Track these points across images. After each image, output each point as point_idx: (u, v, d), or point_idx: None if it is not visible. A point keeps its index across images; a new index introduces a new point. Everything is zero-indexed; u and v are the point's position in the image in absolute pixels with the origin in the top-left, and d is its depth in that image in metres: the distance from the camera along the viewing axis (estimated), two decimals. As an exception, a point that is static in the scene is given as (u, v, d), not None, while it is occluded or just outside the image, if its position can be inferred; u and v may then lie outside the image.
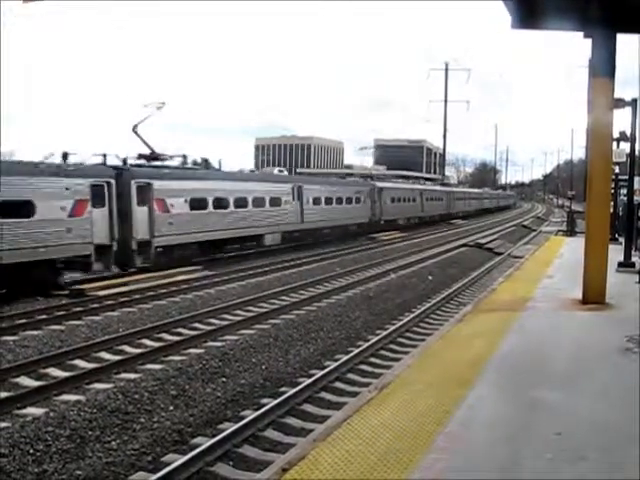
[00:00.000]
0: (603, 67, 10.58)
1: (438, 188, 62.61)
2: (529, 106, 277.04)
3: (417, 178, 73.23)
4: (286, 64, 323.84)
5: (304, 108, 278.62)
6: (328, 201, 34.60)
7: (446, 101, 77.04)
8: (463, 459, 4.75)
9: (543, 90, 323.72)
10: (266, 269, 23.16)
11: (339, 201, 35.94)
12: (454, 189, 69.74)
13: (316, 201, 32.96)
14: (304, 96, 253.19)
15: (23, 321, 14.27)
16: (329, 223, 34.54)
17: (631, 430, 5.29)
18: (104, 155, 21.77)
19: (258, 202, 27.45)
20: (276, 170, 44.99)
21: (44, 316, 14.96)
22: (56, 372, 10.88)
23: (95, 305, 16.30)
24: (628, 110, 16.16)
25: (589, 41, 10.65)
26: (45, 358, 11.41)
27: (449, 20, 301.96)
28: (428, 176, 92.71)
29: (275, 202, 28.92)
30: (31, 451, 7.53)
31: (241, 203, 26.21)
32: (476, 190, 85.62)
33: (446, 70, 76.67)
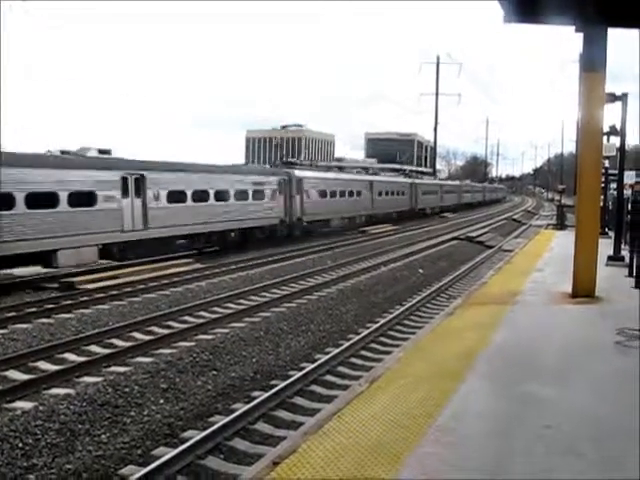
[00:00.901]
0: (594, 62, 10.59)
1: (397, 180, 51.92)
2: (520, 100, 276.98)
3: (401, 171, 71.93)
4: (278, 57, 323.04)
5: (295, 101, 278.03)
6: (197, 196, 24.59)
7: (437, 94, 77.14)
8: (454, 452, 4.76)
9: (534, 84, 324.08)
10: (257, 262, 23.15)
11: (221, 196, 26.03)
12: (422, 181, 59.41)
13: (172, 197, 23.28)
14: (295, 89, 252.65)
15: (12, 314, 14.21)
16: (187, 230, 24.09)
17: (622, 422, 5.32)
18: None
19: None
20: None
21: (34, 309, 14.89)
22: (45, 365, 10.83)
23: (85, 298, 16.23)
24: (618, 105, 16.19)
25: (580, 35, 10.67)
26: (34, 351, 11.35)
27: (442, 14, 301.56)
28: (419, 169, 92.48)
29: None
30: (20, 445, 7.49)
31: None
32: (451, 182, 76.35)
33: (437, 64, 76.68)
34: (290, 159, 58.69)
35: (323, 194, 34.75)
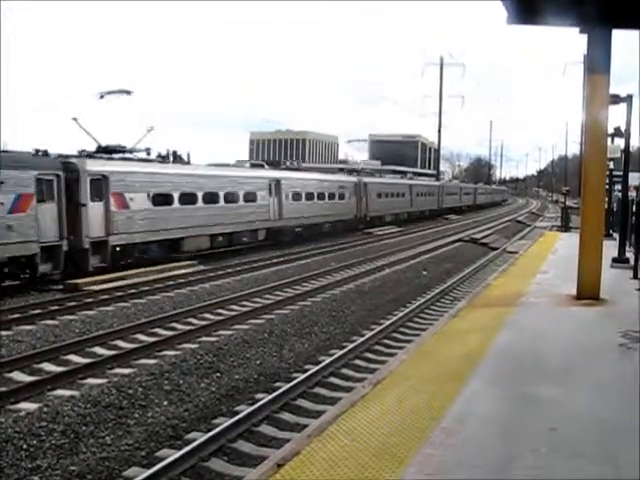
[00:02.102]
0: (599, 63, 10.59)
1: (347, 179, 40.20)
2: (524, 101, 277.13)
3: (406, 173, 71.51)
4: (282, 59, 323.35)
5: (299, 103, 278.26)
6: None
7: (441, 96, 76.91)
8: (458, 454, 4.75)
9: (538, 86, 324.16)
10: (261, 264, 23.17)
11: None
12: (389, 180, 49.55)
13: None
14: (299, 91, 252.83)
15: (17, 316, 14.22)
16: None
17: (626, 425, 5.31)
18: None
19: None
20: None
21: (38, 311, 14.91)
22: (50, 367, 10.85)
23: (89, 300, 16.25)
24: (623, 106, 16.17)
25: (585, 37, 10.66)
26: (39, 353, 11.37)
27: (445, 15, 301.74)
28: (421, 171, 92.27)
29: None
30: (24, 446, 7.50)
31: None
32: (427, 182, 62.59)
33: (441, 65, 76.55)
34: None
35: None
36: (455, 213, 64.45)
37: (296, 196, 31.91)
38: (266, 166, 36.85)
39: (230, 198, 26.59)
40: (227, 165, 34.46)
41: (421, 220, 50.87)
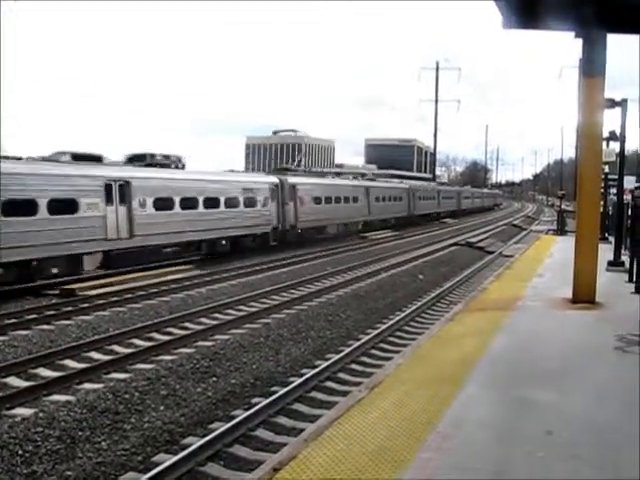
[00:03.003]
0: (594, 67, 10.62)
1: (262, 179, 31.28)
2: (520, 106, 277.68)
3: (405, 177, 71.21)
4: (278, 63, 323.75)
5: (295, 107, 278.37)
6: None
7: (437, 100, 77.20)
8: (455, 458, 4.75)
9: (534, 90, 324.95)
10: (257, 268, 23.15)
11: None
12: (330, 182, 39.53)
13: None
14: (296, 95, 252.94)
15: (13, 321, 14.19)
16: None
17: (622, 428, 5.32)
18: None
19: None
20: None
21: (34, 316, 14.88)
22: (46, 372, 10.82)
23: (85, 305, 16.22)
24: (618, 110, 16.20)
25: (580, 41, 10.70)
26: (35, 358, 11.34)
27: (442, 20, 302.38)
28: (419, 175, 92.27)
29: None
30: (20, 452, 7.48)
31: None
32: (395, 185, 50.93)
33: (437, 69, 76.78)
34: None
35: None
36: (436, 220, 57.88)
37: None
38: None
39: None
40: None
41: (416, 224, 50.77)
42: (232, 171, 34.06)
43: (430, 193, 60.08)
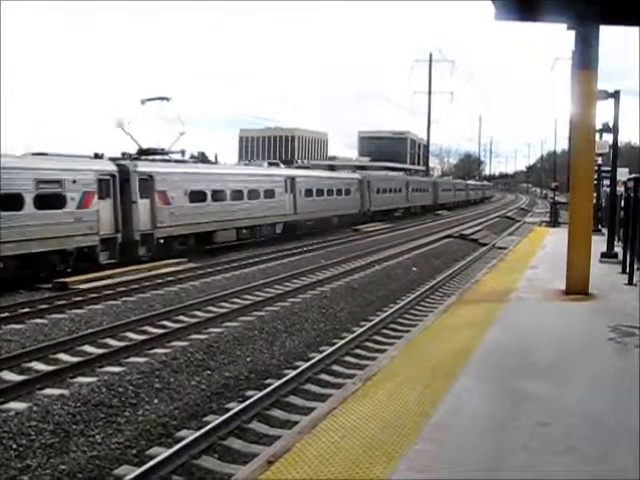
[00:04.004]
0: (586, 59, 10.60)
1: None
2: (513, 98, 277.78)
3: (400, 169, 70.57)
4: (270, 55, 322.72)
5: (287, 99, 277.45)
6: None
7: (430, 92, 76.96)
8: (449, 450, 4.76)
9: (527, 82, 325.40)
10: (250, 261, 23.16)
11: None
12: (228, 170, 30.65)
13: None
14: (287, 88, 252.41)
15: (5, 315, 14.15)
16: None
17: (617, 420, 5.34)
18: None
19: None
20: None
21: (27, 310, 14.85)
22: (39, 366, 10.80)
23: (79, 298, 16.19)
24: (611, 102, 16.22)
25: (573, 33, 10.69)
26: (28, 352, 11.32)
27: (434, 12, 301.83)
28: (411, 167, 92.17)
29: None
30: (14, 446, 7.48)
31: None
32: (341, 175, 43.89)
33: (430, 61, 76.60)
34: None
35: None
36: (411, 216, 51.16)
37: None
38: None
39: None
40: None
41: (413, 216, 50.69)
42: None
43: (395, 184, 50.47)
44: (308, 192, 34.38)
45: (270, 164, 36.76)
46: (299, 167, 41.90)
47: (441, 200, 64.49)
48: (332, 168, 50.79)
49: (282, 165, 38.59)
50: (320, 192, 36.02)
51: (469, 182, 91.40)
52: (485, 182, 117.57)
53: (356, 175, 43.89)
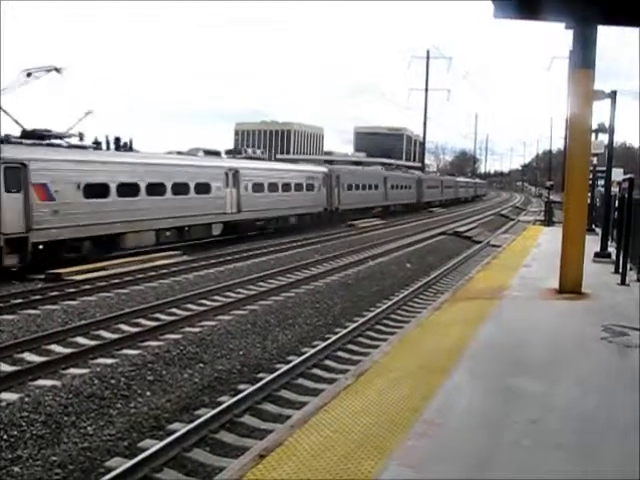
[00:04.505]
0: (584, 59, 10.63)
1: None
2: (510, 96, 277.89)
3: (393, 166, 69.88)
4: (267, 51, 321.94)
5: (284, 94, 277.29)
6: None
7: (427, 89, 76.89)
8: (440, 446, 4.78)
9: (524, 80, 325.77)
10: (244, 255, 23.13)
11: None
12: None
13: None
14: (284, 82, 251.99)
15: (-2, 305, 14.11)
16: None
17: (607, 417, 5.37)
18: None
19: None
20: None
21: (19, 300, 14.80)
22: (31, 357, 10.78)
23: (71, 290, 16.14)
24: (606, 102, 16.25)
25: (570, 32, 10.70)
26: (20, 343, 11.29)
27: (432, 9, 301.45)
28: (406, 163, 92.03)
29: None
30: (5, 437, 7.46)
31: None
32: (311, 168, 38.26)
33: (427, 58, 76.55)
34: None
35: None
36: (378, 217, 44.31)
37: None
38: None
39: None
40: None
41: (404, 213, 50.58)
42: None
43: (371, 180, 45.35)
44: (257, 187, 29.50)
45: (207, 153, 29.48)
46: (248, 158, 33.90)
47: (426, 198, 59.70)
48: (330, 163, 48.92)
49: (224, 155, 31.92)
50: (273, 187, 31.04)
51: (459, 179, 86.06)
52: (477, 179, 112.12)
53: (322, 168, 38.65)
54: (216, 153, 30.66)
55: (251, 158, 34.26)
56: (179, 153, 28.07)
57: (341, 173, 40.00)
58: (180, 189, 24.18)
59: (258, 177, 29.89)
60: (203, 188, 25.56)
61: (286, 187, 32.28)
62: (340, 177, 39.12)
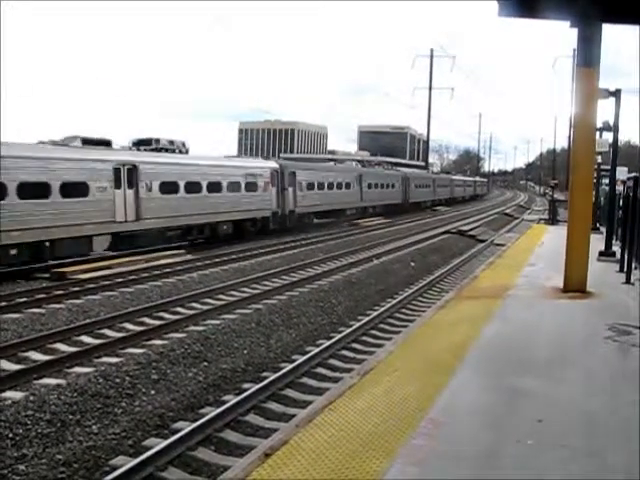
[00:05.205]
0: (588, 57, 10.59)
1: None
2: (514, 95, 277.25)
3: (399, 165, 69.48)
4: (271, 49, 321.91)
5: (288, 93, 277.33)
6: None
7: (431, 88, 76.80)
8: (446, 444, 4.77)
9: (528, 79, 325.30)
10: (248, 254, 23.15)
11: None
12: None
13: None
14: (288, 81, 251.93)
15: (3, 304, 14.13)
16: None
17: (611, 417, 5.36)
18: None
19: None
20: None
21: (24, 299, 14.84)
22: (36, 355, 10.80)
23: (76, 288, 16.18)
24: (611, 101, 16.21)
25: (575, 31, 10.67)
26: (25, 341, 11.32)
27: (436, 7, 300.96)
28: (412, 162, 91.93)
29: None
30: (10, 435, 7.47)
31: None
32: (256, 163, 31.80)
33: (431, 57, 76.44)
34: None
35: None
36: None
37: None
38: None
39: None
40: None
41: (410, 212, 50.45)
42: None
43: (341, 177, 39.25)
44: (167, 187, 23.52)
45: (87, 142, 22.16)
46: (157, 150, 26.15)
47: (415, 198, 54.05)
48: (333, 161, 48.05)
49: (116, 146, 24.34)
50: (194, 187, 24.90)
51: (455, 177, 79.61)
52: (477, 178, 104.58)
53: (269, 164, 31.86)
54: (104, 143, 23.01)
55: (165, 150, 26.60)
56: (54, 143, 21.55)
57: (298, 169, 34.11)
58: (33, 191, 18.26)
59: (170, 174, 23.80)
60: (74, 189, 19.62)
61: (214, 187, 26.14)
62: (297, 174, 33.18)
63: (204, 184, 25.46)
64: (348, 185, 39.83)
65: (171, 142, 27.47)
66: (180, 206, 23.91)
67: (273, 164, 31.92)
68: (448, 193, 68.61)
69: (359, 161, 54.01)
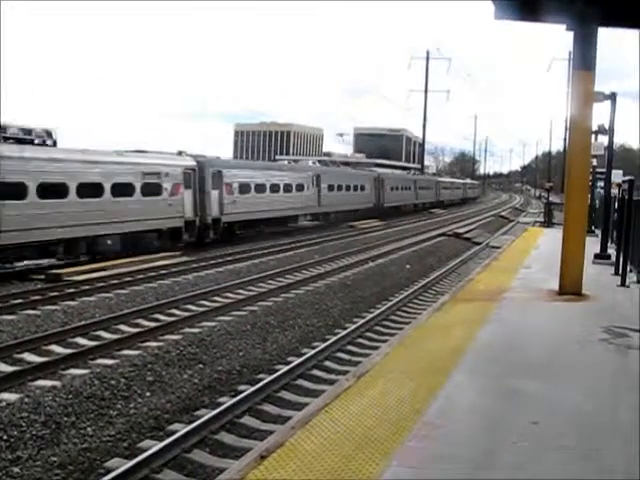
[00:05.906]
0: (584, 60, 10.63)
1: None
2: (509, 97, 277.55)
3: (394, 167, 69.20)
4: (266, 51, 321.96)
5: (284, 95, 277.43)
6: None
7: (426, 90, 76.82)
8: (441, 446, 4.77)
9: (523, 82, 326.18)
10: (244, 255, 23.13)
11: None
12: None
13: None
14: (284, 83, 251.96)
15: (-2, 305, 14.10)
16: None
17: (607, 419, 5.36)
18: None
19: None
20: None
21: (19, 301, 14.79)
22: (31, 357, 10.76)
23: (71, 290, 16.14)
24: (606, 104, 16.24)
25: (571, 34, 10.70)
26: (20, 343, 11.28)
27: (432, 9, 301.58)
28: (407, 165, 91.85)
29: None
30: (5, 437, 7.45)
31: None
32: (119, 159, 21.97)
33: (427, 59, 76.49)
34: None
35: None
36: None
37: None
38: None
39: None
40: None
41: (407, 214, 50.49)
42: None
43: (290, 179, 33.63)
44: (6, 189, 17.30)
45: None
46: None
47: (391, 202, 48.43)
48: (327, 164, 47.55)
49: None
50: (55, 190, 18.91)
51: (442, 179, 74.96)
52: (468, 180, 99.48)
53: (182, 161, 25.47)
54: None
55: (18, 141, 20.09)
56: None
57: (224, 168, 27.76)
58: None
59: (10, 173, 17.59)
60: None
61: (91, 190, 20.12)
62: (224, 174, 27.18)
63: (72, 186, 19.35)
64: (301, 187, 34.25)
65: (27, 131, 21.69)
66: (34, 215, 17.92)
67: (187, 161, 25.49)
68: (432, 196, 63.86)
69: (320, 161, 49.75)
